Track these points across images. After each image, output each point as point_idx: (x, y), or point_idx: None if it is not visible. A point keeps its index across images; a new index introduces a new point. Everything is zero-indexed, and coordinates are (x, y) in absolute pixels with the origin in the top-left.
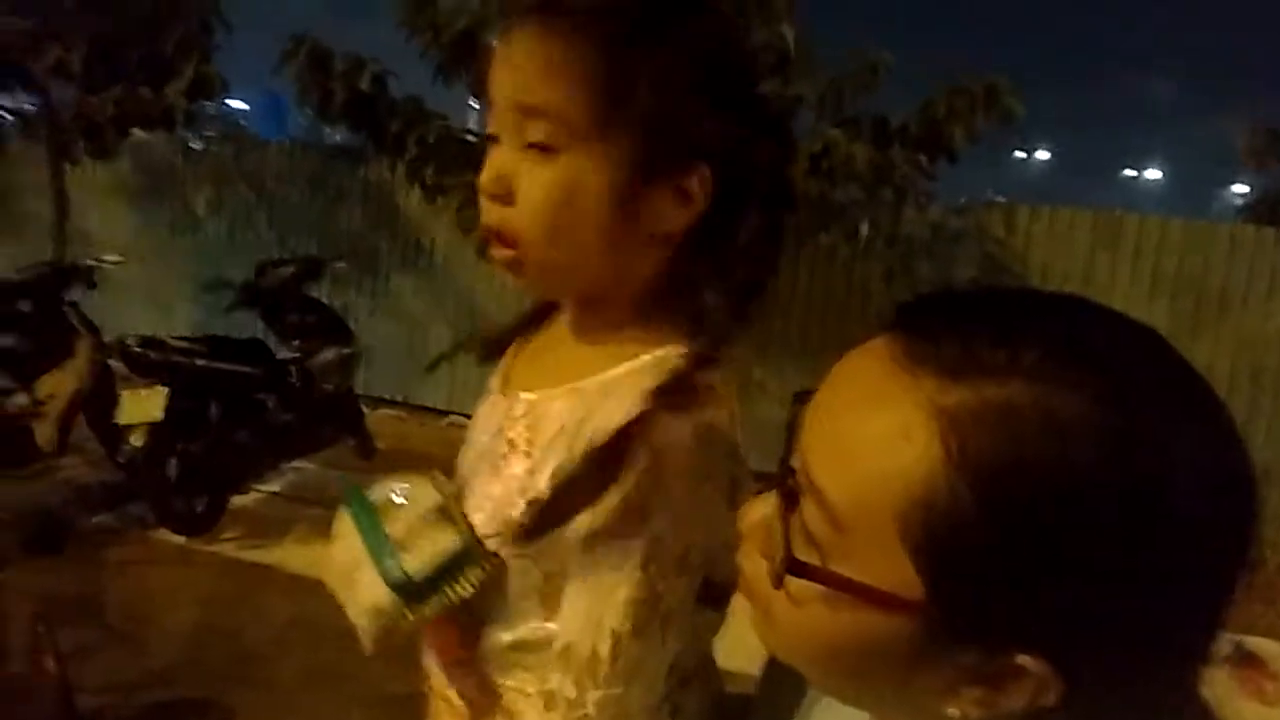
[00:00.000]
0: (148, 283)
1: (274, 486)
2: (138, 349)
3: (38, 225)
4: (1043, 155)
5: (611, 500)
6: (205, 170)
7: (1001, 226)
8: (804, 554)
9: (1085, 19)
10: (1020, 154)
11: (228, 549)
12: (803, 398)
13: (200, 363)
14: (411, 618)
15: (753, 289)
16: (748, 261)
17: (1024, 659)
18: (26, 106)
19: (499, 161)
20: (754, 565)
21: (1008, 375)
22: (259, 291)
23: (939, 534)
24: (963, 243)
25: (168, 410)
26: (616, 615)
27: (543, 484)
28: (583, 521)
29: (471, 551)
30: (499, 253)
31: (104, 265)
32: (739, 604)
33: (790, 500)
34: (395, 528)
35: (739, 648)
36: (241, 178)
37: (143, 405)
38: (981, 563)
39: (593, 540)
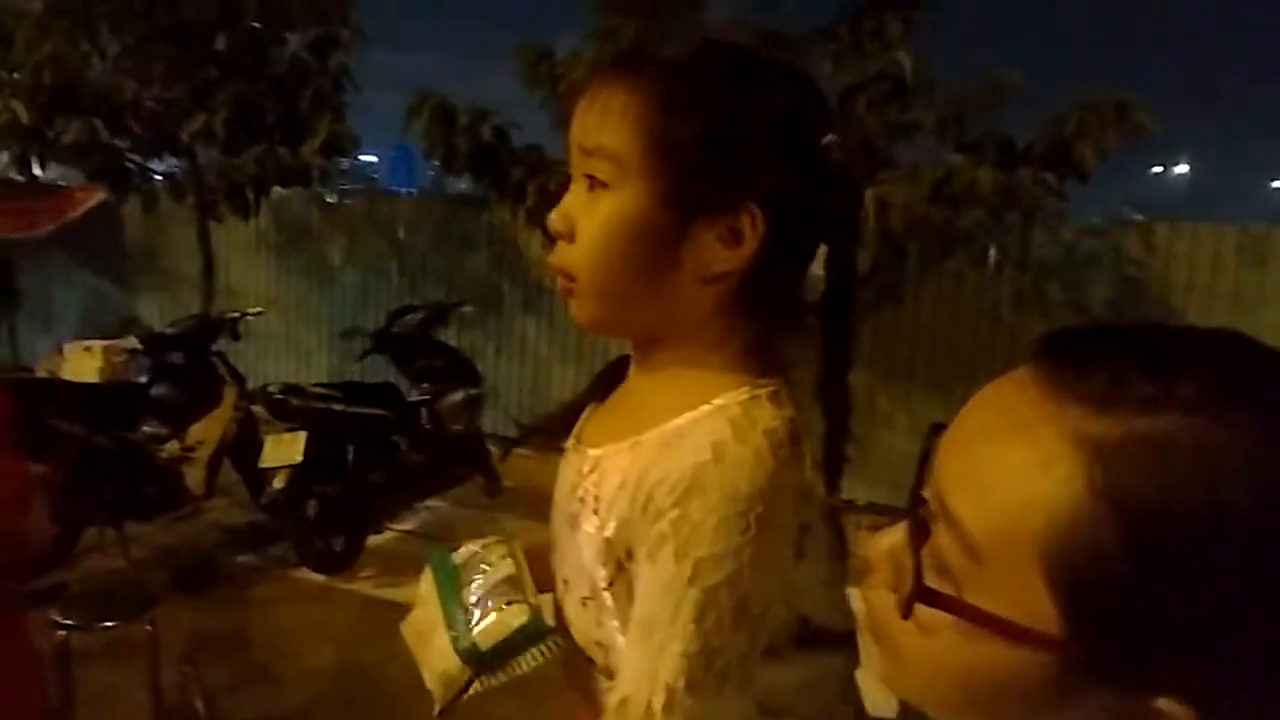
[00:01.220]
0: (288, 332)
1: (408, 525)
2: (279, 396)
3: (186, 280)
4: (1181, 170)
5: (665, 552)
6: (340, 223)
7: (1140, 246)
8: (936, 585)
9: (1220, 31)
10: (1157, 169)
11: (365, 587)
12: (938, 430)
13: (337, 407)
14: (479, 687)
15: (828, 333)
16: (805, 303)
17: (1163, 703)
18: (174, 169)
19: (566, 202)
20: (880, 598)
21: (1160, 408)
22: (390, 338)
23: (1081, 568)
24: (1098, 264)
25: (307, 453)
26: (670, 669)
27: (610, 539)
28: (639, 574)
29: (538, 629)
30: (561, 286)
31: (247, 317)
32: (867, 648)
33: (921, 531)
34: (470, 595)
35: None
36: (373, 229)
37: (284, 449)
38: (1125, 600)
39: (648, 593)
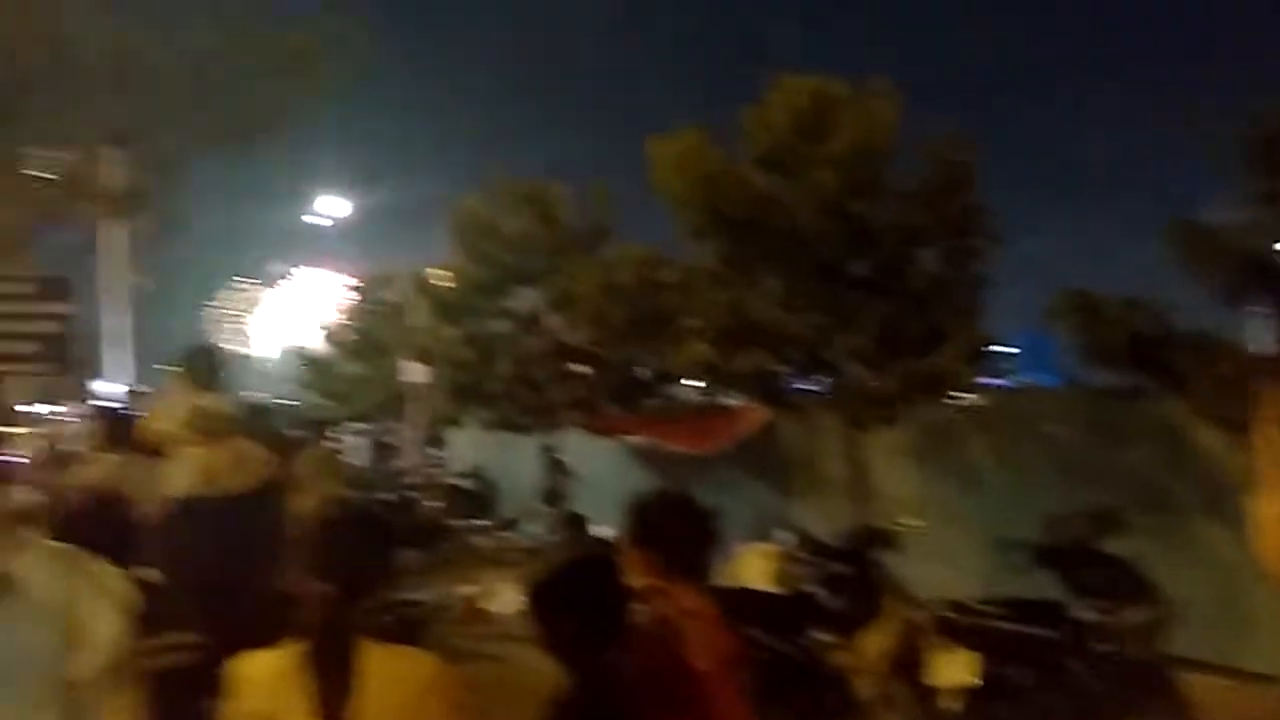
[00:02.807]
0: (936, 538)
1: None
2: (945, 612)
3: (837, 487)
4: None
5: None
6: (982, 423)
7: None
8: None
9: None
10: None
11: None
12: None
13: (1005, 626)
14: None
15: None
16: None
17: None
18: (824, 387)
19: None
20: None
21: None
22: (1051, 551)
23: None
24: None
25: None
26: None
27: None
28: None
29: None
30: None
31: (906, 528)
32: None
33: None
34: None
35: None
36: (1018, 428)
37: (956, 668)
38: None
39: None
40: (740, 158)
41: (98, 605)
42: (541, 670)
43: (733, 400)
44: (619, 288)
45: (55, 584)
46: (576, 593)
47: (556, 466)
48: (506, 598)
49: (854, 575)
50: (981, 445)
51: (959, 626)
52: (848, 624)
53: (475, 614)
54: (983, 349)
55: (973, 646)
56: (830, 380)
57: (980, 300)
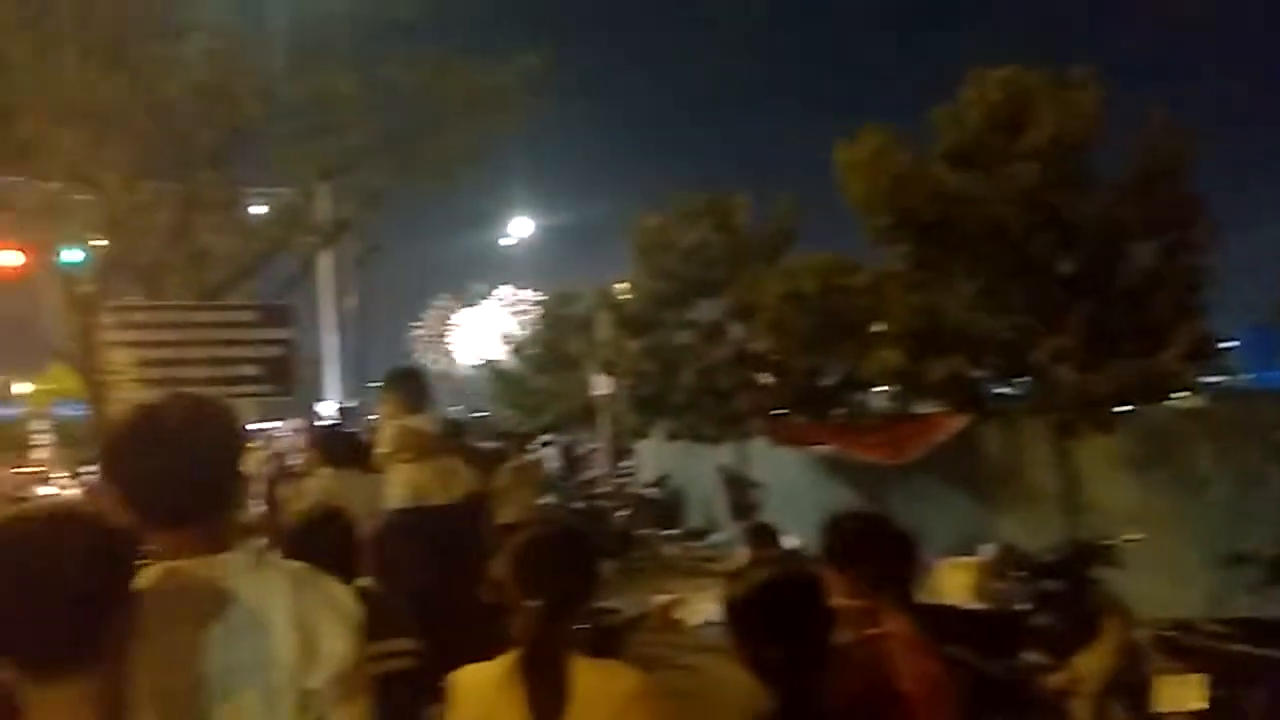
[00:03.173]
0: (1156, 552)
1: None
2: (1170, 632)
3: (1045, 498)
4: None
5: None
6: (1206, 428)
7: None
8: None
9: None
10: None
11: None
12: None
13: (1236, 648)
14: None
15: None
16: None
17: None
18: (1028, 391)
19: None
20: None
21: None
22: None
23: None
24: None
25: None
26: None
27: None
28: None
29: None
30: None
31: (1125, 543)
32: None
33: None
34: None
35: None
36: (1244, 431)
37: (1183, 693)
38: None
39: None
40: (929, 157)
41: (327, 619)
42: (738, 682)
43: (926, 407)
44: (803, 295)
45: (287, 598)
46: (779, 614)
47: (738, 479)
48: (699, 608)
49: (1067, 592)
50: (1205, 451)
51: (1184, 647)
52: (1061, 644)
53: (669, 623)
54: (1204, 347)
55: (1199, 668)
56: (1035, 384)
57: (1200, 295)
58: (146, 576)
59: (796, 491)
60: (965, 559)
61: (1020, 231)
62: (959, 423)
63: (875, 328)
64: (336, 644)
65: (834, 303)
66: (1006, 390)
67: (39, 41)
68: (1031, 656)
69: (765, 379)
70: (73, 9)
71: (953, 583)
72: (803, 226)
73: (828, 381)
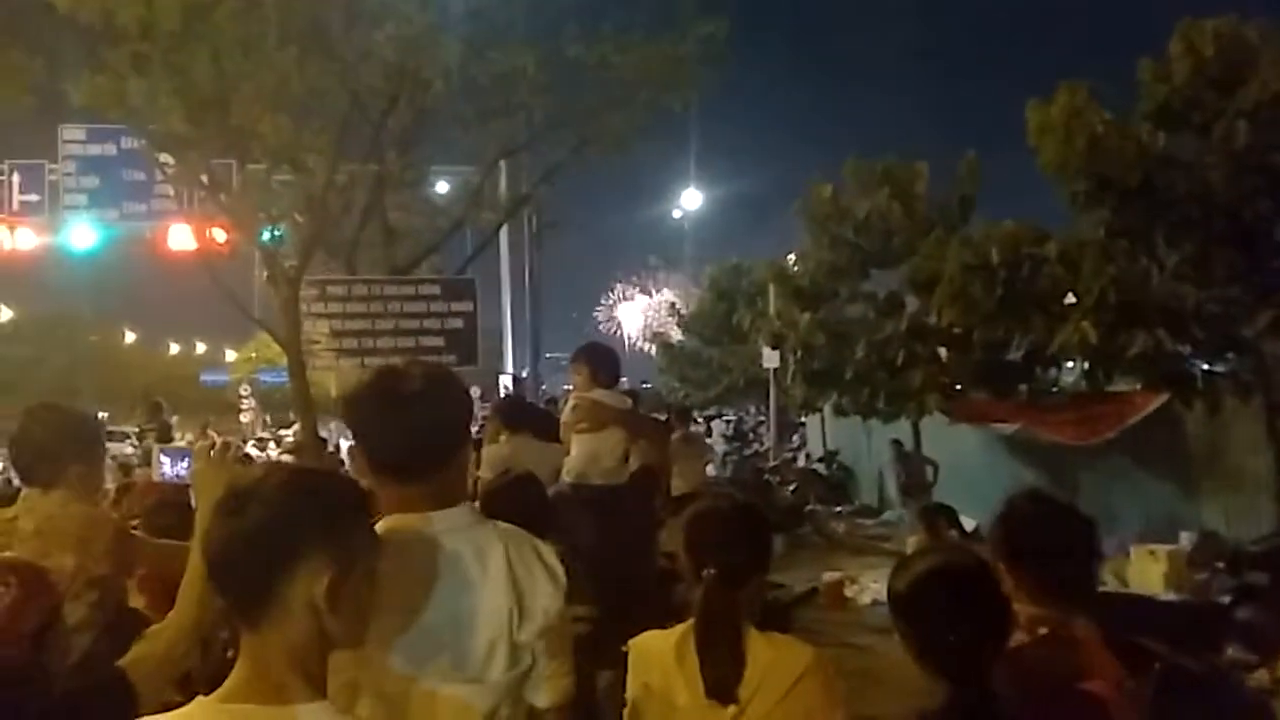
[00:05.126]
0: None
1: None
2: None
3: (1256, 482)
4: None
5: None
6: None
7: None
8: None
9: None
10: None
11: None
12: None
13: None
14: None
15: None
16: None
17: None
18: (1239, 368)
19: None
20: None
21: None
22: None
23: None
24: None
25: None
26: None
27: None
28: None
29: None
30: None
31: None
32: None
33: None
34: None
35: None
36: None
37: None
38: None
39: None
40: (1131, 116)
41: (539, 576)
42: (905, 664)
43: (1120, 384)
44: (988, 265)
45: (502, 555)
46: (949, 605)
47: (911, 456)
48: (869, 586)
49: (1273, 586)
50: None
51: None
52: (1265, 641)
53: (838, 600)
54: None
55: None
56: (1244, 360)
57: None
58: (379, 528)
59: (975, 471)
60: (1161, 547)
61: (1232, 196)
62: (1156, 401)
63: (1068, 300)
64: (546, 600)
65: (1021, 273)
66: (1209, 367)
67: (248, 34)
68: (1233, 652)
69: (942, 353)
70: (277, 2)
71: (1147, 571)
72: (999, 190)
73: (1012, 356)
